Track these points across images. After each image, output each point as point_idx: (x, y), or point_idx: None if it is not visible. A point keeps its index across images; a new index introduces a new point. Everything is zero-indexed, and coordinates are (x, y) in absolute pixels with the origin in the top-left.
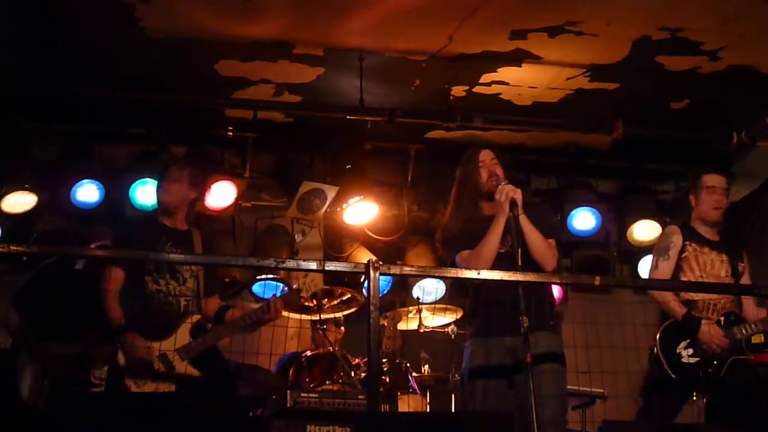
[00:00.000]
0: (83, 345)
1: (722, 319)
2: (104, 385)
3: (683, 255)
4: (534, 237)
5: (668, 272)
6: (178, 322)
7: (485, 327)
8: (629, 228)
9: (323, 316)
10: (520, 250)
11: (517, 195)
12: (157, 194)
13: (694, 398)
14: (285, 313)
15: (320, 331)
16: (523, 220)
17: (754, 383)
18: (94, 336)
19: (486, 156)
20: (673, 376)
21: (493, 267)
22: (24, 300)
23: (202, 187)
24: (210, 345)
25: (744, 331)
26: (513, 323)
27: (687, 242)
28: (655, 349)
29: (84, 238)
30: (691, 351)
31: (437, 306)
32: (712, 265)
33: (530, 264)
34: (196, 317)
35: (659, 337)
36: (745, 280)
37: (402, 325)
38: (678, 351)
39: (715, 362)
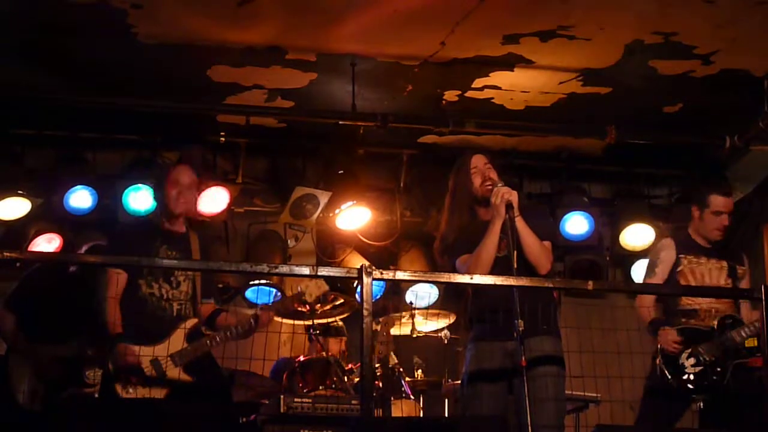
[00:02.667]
0: (75, 346)
1: (716, 323)
2: (97, 388)
3: (678, 269)
4: (529, 239)
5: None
6: (171, 326)
7: (485, 332)
8: (621, 232)
9: (316, 322)
10: (515, 253)
11: (513, 197)
12: (165, 202)
13: (701, 405)
14: (278, 319)
15: (315, 337)
16: (519, 223)
17: (748, 387)
18: (87, 337)
19: (479, 161)
20: (680, 387)
21: (492, 272)
22: (17, 302)
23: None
24: (204, 351)
25: (742, 334)
26: (512, 328)
27: (681, 255)
28: (658, 360)
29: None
30: (693, 361)
31: (430, 312)
32: (710, 275)
33: (525, 267)
34: (191, 322)
35: (661, 349)
36: (746, 283)
37: (395, 330)
38: (681, 363)
39: (719, 369)
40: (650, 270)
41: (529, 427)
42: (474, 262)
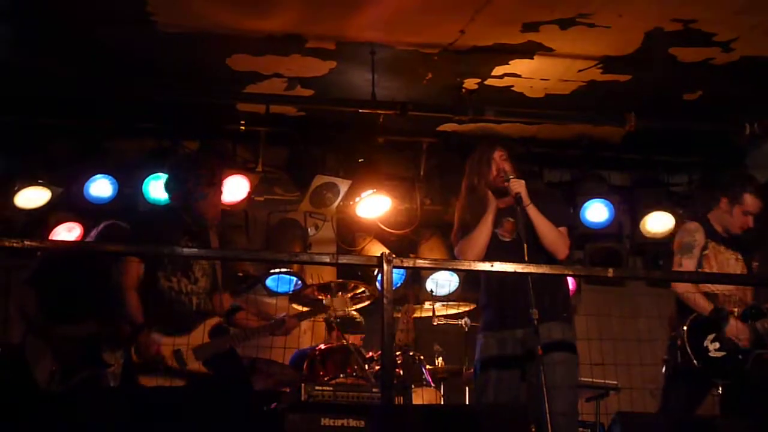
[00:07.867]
0: (93, 326)
1: (736, 310)
2: (114, 368)
3: (704, 252)
4: (543, 227)
5: (692, 270)
6: (190, 319)
7: (496, 319)
8: (642, 220)
9: (337, 312)
10: (526, 245)
11: (521, 188)
12: (194, 203)
13: (720, 391)
14: (298, 307)
15: (335, 325)
16: (532, 210)
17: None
18: (105, 317)
19: (498, 155)
20: (701, 368)
21: (501, 256)
22: (38, 279)
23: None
24: (225, 348)
25: (766, 325)
26: (524, 315)
27: (708, 239)
28: (679, 341)
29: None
30: (717, 345)
31: (450, 301)
32: (728, 264)
33: (542, 253)
34: (214, 320)
35: (686, 329)
36: None
37: (416, 313)
38: (705, 345)
39: (740, 356)
40: (687, 252)
41: (547, 414)
42: (464, 247)
